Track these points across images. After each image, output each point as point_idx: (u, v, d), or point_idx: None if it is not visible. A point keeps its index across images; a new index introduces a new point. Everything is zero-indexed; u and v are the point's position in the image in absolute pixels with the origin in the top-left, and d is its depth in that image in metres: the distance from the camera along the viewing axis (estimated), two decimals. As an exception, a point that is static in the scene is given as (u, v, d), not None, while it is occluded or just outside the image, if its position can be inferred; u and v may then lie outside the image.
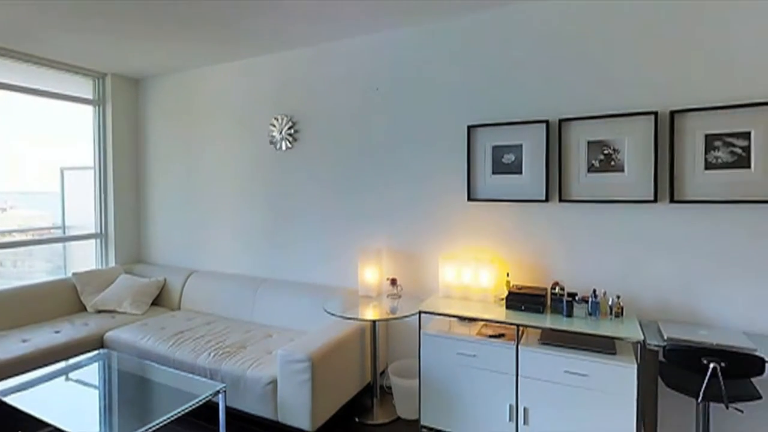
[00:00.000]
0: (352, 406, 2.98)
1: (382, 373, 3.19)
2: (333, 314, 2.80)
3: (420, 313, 2.63)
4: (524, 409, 2.32)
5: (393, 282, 3.11)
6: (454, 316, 2.58)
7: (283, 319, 3.39)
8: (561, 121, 2.68)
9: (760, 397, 2.00)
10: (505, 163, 2.86)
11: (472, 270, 2.81)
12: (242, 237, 3.90)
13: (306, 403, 2.49)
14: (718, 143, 2.35)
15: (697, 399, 1.98)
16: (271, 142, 3.72)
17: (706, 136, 2.37)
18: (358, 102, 3.34)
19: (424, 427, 2.57)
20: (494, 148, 2.89)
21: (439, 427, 2.54)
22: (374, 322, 2.85)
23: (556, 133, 2.70)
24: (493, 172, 2.90)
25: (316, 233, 3.55)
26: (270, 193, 3.76)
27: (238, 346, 2.99)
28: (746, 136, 2.29)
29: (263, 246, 3.80)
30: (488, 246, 2.93)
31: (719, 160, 2.35)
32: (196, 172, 4.14)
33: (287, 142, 3.64)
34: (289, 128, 3.62)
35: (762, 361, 1.90)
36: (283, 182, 3.69)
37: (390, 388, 2.96)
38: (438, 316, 2.74)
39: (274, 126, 3.69)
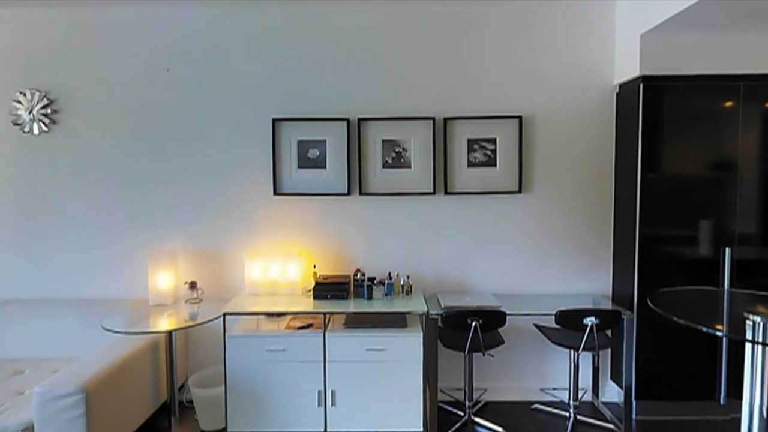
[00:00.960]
0: (145, 430, 2.57)
1: (182, 387, 2.86)
2: (115, 331, 2.36)
3: (224, 315, 2.46)
4: (332, 392, 2.42)
5: (192, 286, 2.81)
6: (261, 314, 2.50)
7: (40, 347, 2.68)
8: (360, 119, 2.88)
9: (504, 342, 2.59)
10: (311, 158, 2.92)
11: (280, 265, 2.77)
12: (-29, 247, 2.92)
13: (77, 443, 2.02)
14: (476, 146, 2.91)
15: (464, 352, 2.43)
16: (16, 123, 2.89)
17: (468, 140, 2.91)
18: (143, 82, 2.90)
19: (232, 435, 2.42)
20: (299, 142, 2.91)
21: (248, 430, 2.43)
22: (170, 332, 2.52)
23: (356, 130, 2.90)
24: (299, 167, 2.92)
25: (90, 238, 2.93)
26: (16, 190, 2.92)
27: (-35, 392, 2.22)
28: (494, 141, 2.91)
29: (6, 259, 2.93)
30: (295, 240, 2.95)
31: (477, 160, 2.92)
32: None
33: (41, 125, 2.89)
34: (44, 107, 2.88)
35: (504, 314, 2.46)
36: (37, 176, 2.92)
37: (191, 401, 2.67)
38: (244, 316, 2.61)
39: (21, 103, 2.88)
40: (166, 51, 2.89)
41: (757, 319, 1.47)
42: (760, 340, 1.47)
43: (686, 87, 2.61)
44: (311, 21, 2.88)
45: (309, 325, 2.55)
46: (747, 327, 1.50)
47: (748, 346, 1.57)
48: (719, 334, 2.23)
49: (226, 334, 2.44)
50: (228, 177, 2.94)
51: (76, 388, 2.03)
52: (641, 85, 2.60)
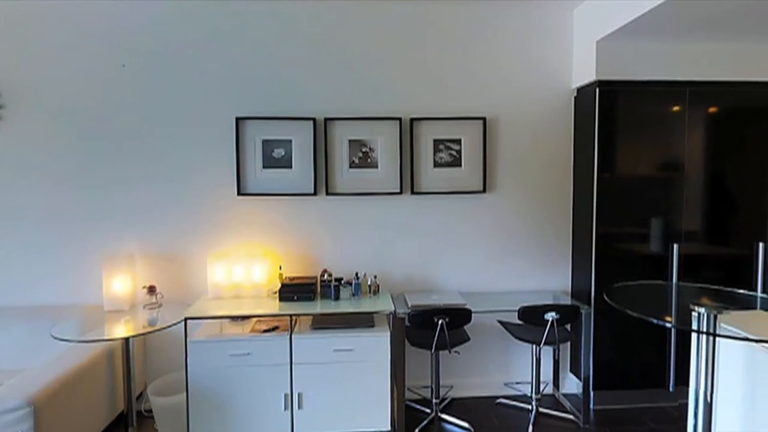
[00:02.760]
0: (100, 445, 2.45)
1: (140, 396, 2.74)
2: (65, 340, 2.23)
3: (186, 319, 2.37)
4: (299, 394, 2.39)
5: (151, 290, 2.70)
6: (224, 317, 2.43)
7: (-18, 359, 2.49)
8: (326, 119, 2.86)
9: (469, 339, 2.65)
10: (276, 158, 2.87)
11: (244, 267, 2.71)
12: None
13: (23, 460, 1.90)
14: (441, 146, 2.95)
15: (431, 350, 2.46)
16: (-47, 118, 2.68)
17: (434, 140, 2.94)
18: (97, 77, 2.75)
19: (195, 443, 2.34)
20: (264, 141, 2.86)
21: (212, 439, 2.36)
22: (126, 339, 2.41)
23: (322, 130, 2.87)
24: (264, 166, 2.86)
25: (39, 241, 2.76)
26: (-47, 188, 2.71)
27: None
28: (459, 141, 2.96)
29: (-57, 263, 2.72)
30: (260, 241, 2.89)
31: (442, 160, 2.95)
32: None
33: (-18, 120, 2.69)
34: (-14, 101, 2.69)
35: (469, 312, 2.51)
36: (-22, 174, 2.72)
37: (150, 410, 2.56)
38: (207, 320, 2.53)
39: (-43, 96, 2.67)
40: (123, 45, 2.75)
41: (702, 310, 1.57)
42: (705, 330, 1.57)
43: (638, 92, 2.75)
44: (276, 18, 2.83)
45: (275, 328, 2.50)
46: (693, 318, 1.59)
47: (694, 336, 1.67)
48: (668, 325, 2.37)
49: (188, 340, 2.36)
50: (189, 177, 2.84)
51: (22, 401, 1.91)
52: (597, 90, 2.71)
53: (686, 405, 1.70)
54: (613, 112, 2.75)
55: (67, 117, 2.75)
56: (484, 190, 2.94)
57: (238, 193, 2.83)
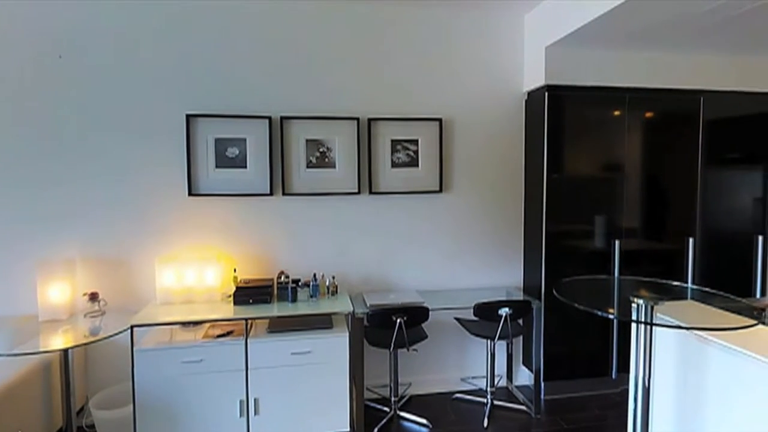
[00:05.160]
0: (34, 467, 2.26)
1: (81, 410, 2.57)
2: (-7, 353, 2.05)
3: (132, 327, 2.25)
4: (255, 400, 2.33)
5: (93, 297, 2.53)
6: (175, 323, 2.33)
7: None
8: (283, 118, 2.80)
9: (427, 337, 2.69)
10: (230, 157, 2.78)
11: (196, 270, 2.60)
12: None
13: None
14: (399, 147, 2.98)
15: (390, 349, 2.48)
16: None
17: (392, 140, 2.96)
18: (29, 69, 2.54)
19: (143, 457, 2.22)
20: (217, 140, 2.76)
21: (162, 451, 2.25)
22: (65, 351, 2.24)
23: (278, 129, 2.81)
24: (217, 166, 2.76)
25: (-40, 245, 2.51)
26: None
27: None
28: (416, 142, 2.99)
29: None
30: (213, 243, 2.78)
31: (400, 160, 2.98)
32: None
33: None
34: None
35: (427, 310, 2.55)
36: None
37: (92, 426, 2.40)
38: (156, 327, 2.41)
39: None
40: (60, 35, 2.56)
41: (640, 301, 1.68)
42: (643, 320, 1.68)
43: (583, 96, 2.90)
44: (230, 13, 2.74)
45: (230, 333, 2.42)
46: (633, 309, 1.70)
47: (633, 326, 1.79)
48: (611, 317, 2.52)
49: (135, 348, 2.24)
50: (136, 176, 2.69)
51: (-59, 423, 1.73)
52: (546, 94, 2.84)
53: (627, 391, 1.82)
54: (561, 115, 2.89)
55: (-6, 111, 2.53)
56: (441, 190, 3.00)
57: (189, 194, 2.71)
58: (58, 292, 2.46)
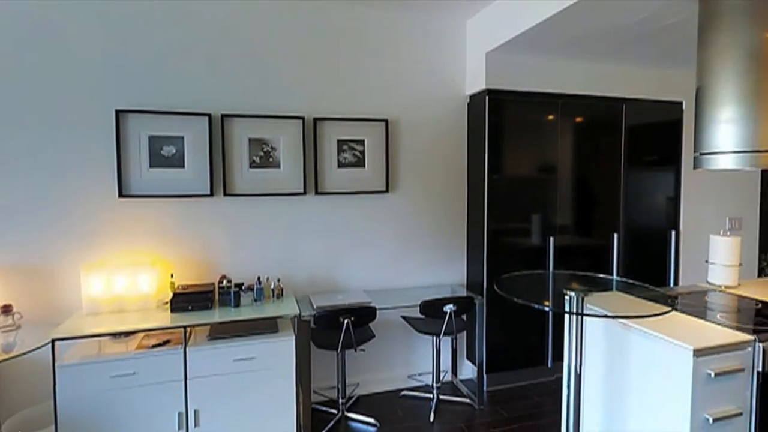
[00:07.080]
0: (-66, 505, 2.00)
1: (-6, 437, 2.31)
2: None
3: (53, 341, 2.05)
4: (195, 411, 2.21)
5: (6, 310, 2.28)
6: (103, 335, 2.15)
7: None
8: (224, 116, 2.69)
9: (374, 336, 2.70)
10: (166, 156, 2.62)
11: (128, 277, 2.43)
12: None
13: None
14: (345, 147, 2.96)
15: (337, 350, 2.46)
16: None
17: (338, 140, 2.94)
18: None
19: (68, 482, 2.04)
20: (151, 138, 2.59)
21: (90, 474, 2.07)
22: (-28, 370, 2.00)
23: (219, 127, 2.69)
24: (151, 166, 2.60)
25: None
26: None
27: None
28: (362, 142, 2.99)
29: None
30: (147, 247, 2.61)
31: (346, 160, 2.97)
32: None
33: None
34: None
35: (374, 309, 2.56)
36: None
37: (8, 453, 2.17)
38: (82, 340, 2.22)
39: None
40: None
41: (572, 293, 1.80)
42: (575, 311, 1.80)
43: (521, 101, 3.06)
44: (169, 2, 2.58)
45: (166, 342, 2.29)
46: (566, 301, 1.82)
47: (566, 316, 1.91)
48: (546, 309, 2.67)
49: (56, 364, 2.05)
50: (58, 176, 2.46)
51: None
52: (487, 98, 2.96)
53: (561, 378, 1.94)
54: (501, 118, 3.03)
55: None
56: (387, 190, 3.03)
57: (120, 195, 2.53)
58: (-37, 305, 2.19)
